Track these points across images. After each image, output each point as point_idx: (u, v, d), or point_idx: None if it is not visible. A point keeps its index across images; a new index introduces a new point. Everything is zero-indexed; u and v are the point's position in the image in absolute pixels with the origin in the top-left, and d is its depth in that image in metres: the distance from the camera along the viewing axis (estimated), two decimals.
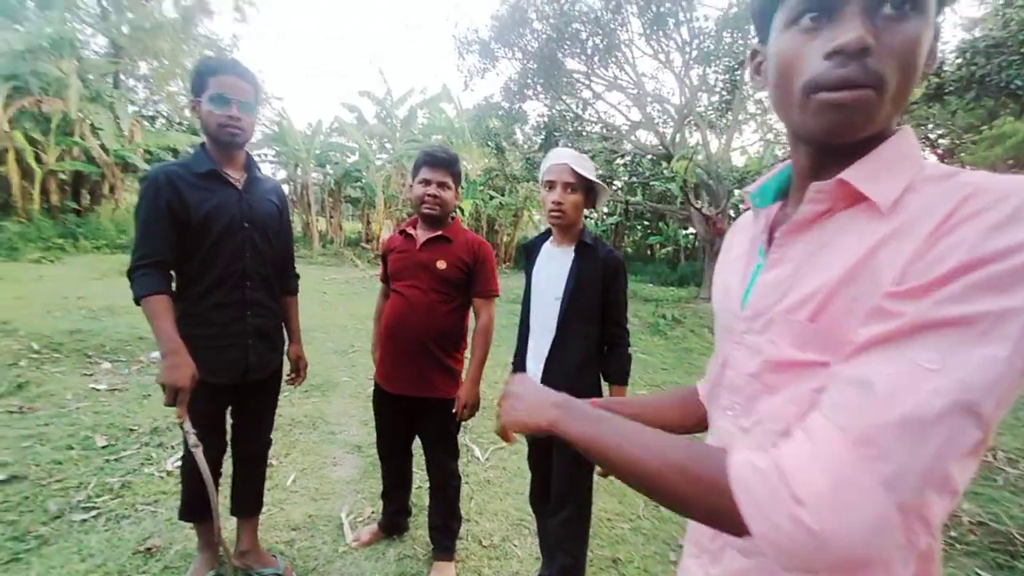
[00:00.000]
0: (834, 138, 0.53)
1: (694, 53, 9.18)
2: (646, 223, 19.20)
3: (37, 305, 5.57)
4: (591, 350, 1.65)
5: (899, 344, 0.42)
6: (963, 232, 0.42)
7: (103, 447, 2.71)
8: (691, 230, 14.60)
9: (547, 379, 1.66)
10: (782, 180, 0.68)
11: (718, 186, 9.62)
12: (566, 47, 9.16)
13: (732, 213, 9.95)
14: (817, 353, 0.52)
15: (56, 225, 10.61)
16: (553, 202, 1.60)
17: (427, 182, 1.84)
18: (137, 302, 1.47)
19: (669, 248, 18.51)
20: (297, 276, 1.94)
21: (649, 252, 19.56)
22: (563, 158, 1.61)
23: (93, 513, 2.14)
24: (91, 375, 3.80)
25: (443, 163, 1.85)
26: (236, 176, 1.66)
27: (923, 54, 0.50)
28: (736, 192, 9.58)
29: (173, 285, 1.59)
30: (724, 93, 9.24)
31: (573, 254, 1.66)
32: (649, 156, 10.86)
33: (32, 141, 10.51)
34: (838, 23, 0.49)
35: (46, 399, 3.26)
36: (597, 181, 1.63)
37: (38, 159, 10.64)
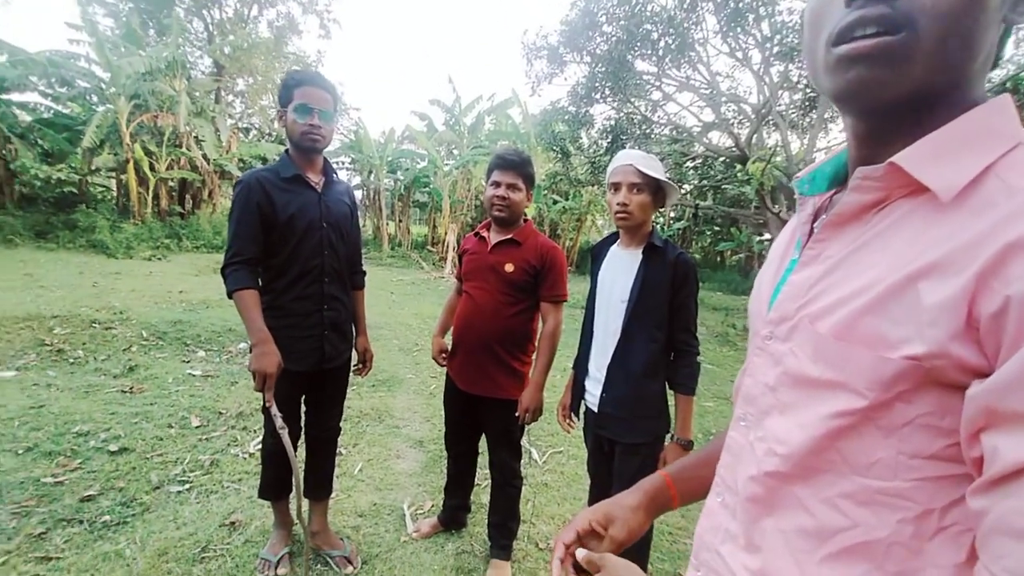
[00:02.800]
0: (855, 101, 0.45)
1: (775, 49, 8.65)
2: (717, 228, 18.31)
3: (147, 298, 6.27)
4: (657, 356, 1.58)
5: None
6: None
7: (196, 427, 2.98)
8: (766, 236, 13.71)
9: (609, 384, 1.61)
10: (839, 165, 0.57)
11: None
12: (636, 49, 8.96)
13: None
14: (834, 372, 0.45)
15: (164, 227, 11.90)
16: (619, 204, 1.57)
17: (497, 184, 1.86)
18: (230, 295, 1.60)
19: (741, 255, 17.52)
20: (364, 272, 2.04)
21: (719, 259, 18.66)
22: (629, 159, 1.57)
23: (187, 486, 2.36)
24: (188, 362, 4.20)
25: (513, 165, 1.86)
26: (316, 180, 1.78)
27: None
28: None
29: (259, 281, 1.72)
30: (808, 90, 8.63)
31: (641, 256, 1.59)
32: (722, 158, 10.37)
33: (148, 152, 11.89)
34: None
35: (151, 381, 3.65)
36: (665, 180, 1.56)
37: (152, 168, 12.01)
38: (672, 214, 18.05)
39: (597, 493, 1.82)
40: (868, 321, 0.43)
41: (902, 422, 0.42)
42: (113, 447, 2.62)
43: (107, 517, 2.06)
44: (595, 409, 1.67)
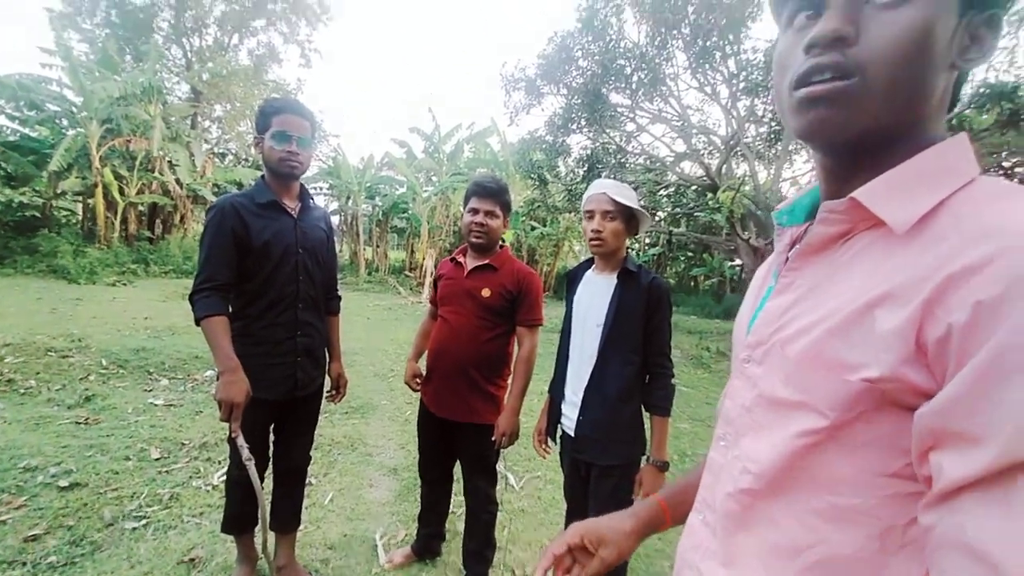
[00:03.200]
0: (815, 139, 0.49)
1: (742, 85, 9.10)
2: (690, 254, 18.78)
3: (109, 324, 6.02)
4: (632, 379, 1.59)
5: (999, 492, 0.35)
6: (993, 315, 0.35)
7: (156, 459, 2.83)
8: (737, 261, 14.12)
9: (585, 408, 1.60)
10: (815, 197, 0.61)
11: (767, 217, 9.32)
12: (610, 82, 9.31)
13: None
14: (801, 394, 0.47)
15: (131, 252, 11.56)
16: (593, 230, 1.60)
17: (475, 211, 1.88)
18: (198, 322, 1.55)
19: (714, 280, 17.94)
20: (339, 298, 2.00)
21: (693, 283, 19.05)
22: (602, 188, 1.60)
23: (143, 522, 2.22)
24: (150, 391, 4.02)
25: (491, 192, 1.88)
26: (292, 205, 1.76)
27: (928, 43, 0.43)
28: None
29: (231, 307, 1.67)
30: (773, 123, 9.06)
31: (616, 281, 1.62)
32: (694, 187, 10.72)
33: (118, 176, 11.64)
34: (824, 17, 0.46)
35: (109, 412, 3.46)
36: (637, 208, 1.60)
37: (121, 192, 11.73)
38: (647, 240, 18.45)
39: (574, 518, 1.78)
40: (831, 346, 0.45)
41: (863, 441, 0.44)
42: (63, 482, 2.46)
43: (53, 558, 1.92)
44: (572, 433, 1.65)
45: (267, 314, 1.68)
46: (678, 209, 12.14)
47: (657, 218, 13.48)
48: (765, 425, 0.51)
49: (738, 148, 9.78)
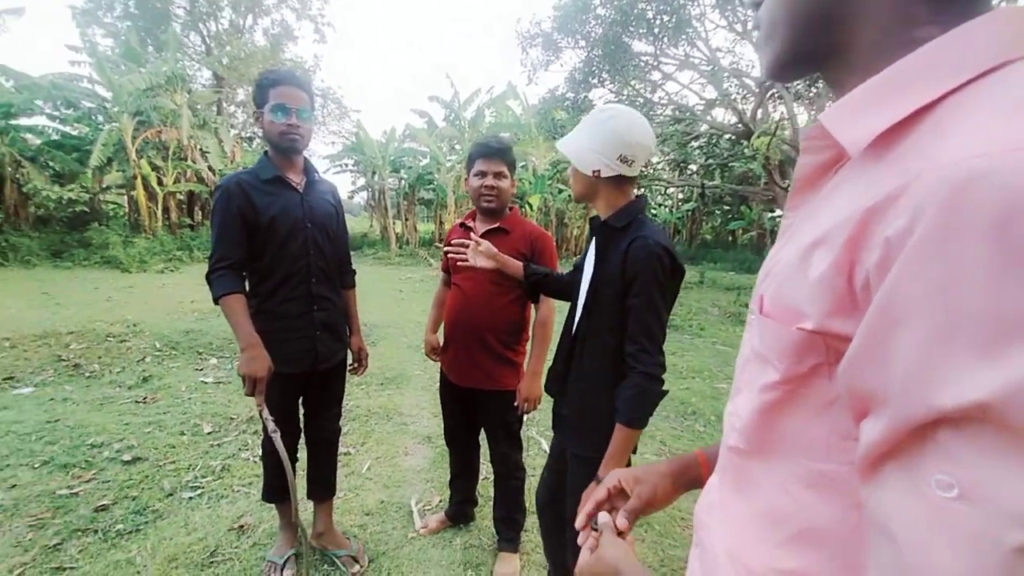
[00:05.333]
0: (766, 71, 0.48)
1: None
2: (726, 207, 18.04)
3: (160, 309, 6.38)
4: (610, 364, 1.28)
5: (902, 459, 0.30)
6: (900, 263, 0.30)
7: (208, 433, 3.02)
8: (777, 212, 13.47)
9: (563, 394, 1.42)
10: None
11: None
12: (632, 29, 8.80)
13: None
14: (763, 346, 0.45)
15: (175, 240, 12.10)
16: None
17: (483, 174, 1.83)
18: (216, 301, 1.59)
19: (753, 233, 17.24)
20: (353, 271, 2.02)
21: (731, 238, 18.39)
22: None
23: (198, 492, 2.39)
24: (201, 369, 4.26)
25: (497, 152, 1.82)
26: (297, 180, 1.76)
27: None
28: None
29: (246, 284, 1.71)
30: None
31: (596, 241, 1.34)
32: (727, 135, 10.17)
33: (154, 167, 12.07)
34: None
35: (165, 390, 3.70)
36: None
37: (159, 182, 12.19)
38: (680, 195, 17.81)
39: (550, 508, 1.60)
40: (780, 293, 0.43)
41: (827, 400, 0.41)
42: (127, 457, 2.67)
43: (120, 526, 2.09)
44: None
45: (280, 290, 1.71)
46: (711, 160, 11.61)
47: (689, 172, 12.93)
48: (748, 380, 0.50)
49: (774, 90, 9.15)
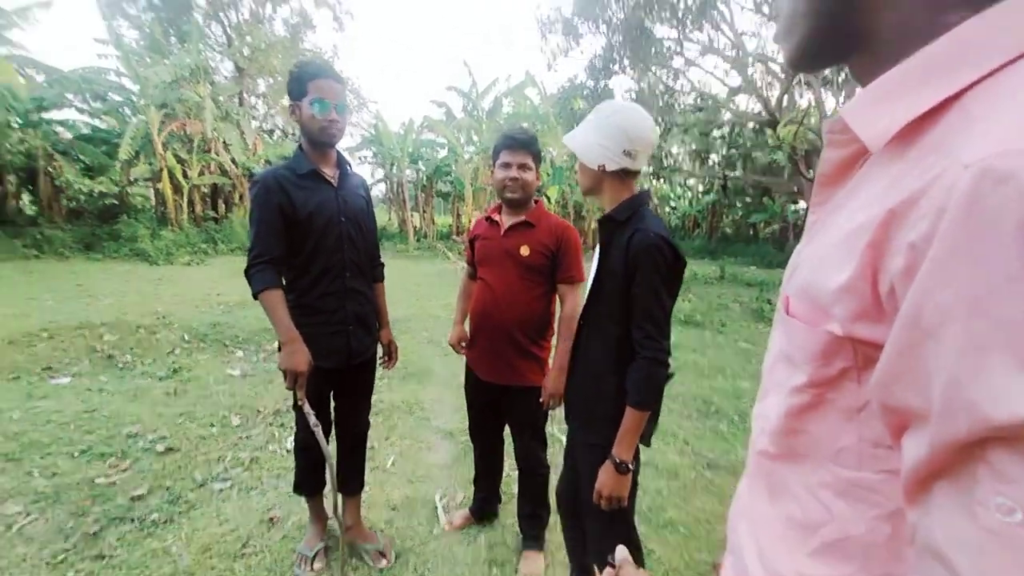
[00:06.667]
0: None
1: None
2: (748, 200, 17.62)
3: (187, 302, 6.53)
4: (613, 351, 1.33)
5: (952, 480, 0.28)
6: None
7: (236, 425, 3.09)
8: (802, 204, 13.11)
9: (570, 383, 1.48)
10: None
11: None
12: (654, 12, 8.60)
13: None
14: (789, 345, 0.44)
15: (200, 232, 12.37)
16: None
17: (507, 165, 1.81)
18: (255, 297, 1.61)
19: (775, 226, 16.83)
20: (382, 264, 2.03)
21: (752, 232, 17.95)
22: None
23: (229, 483, 2.45)
24: (227, 362, 4.36)
25: (522, 144, 1.81)
26: (331, 174, 1.76)
27: None
28: None
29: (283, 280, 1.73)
30: None
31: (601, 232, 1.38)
32: (751, 124, 9.92)
33: (179, 160, 12.32)
34: None
35: (194, 382, 3.80)
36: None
37: (184, 175, 12.44)
38: (700, 188, 17.48)
39: (563, 482, 1.65)
40: (806, 294, 0.42)
41: (857, 405, 0.39)
42: (160, 447, 2.75)
43: (156, 515, 2.16)
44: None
45: (318, 285, 1.72)
46: (733, 150, 11.35)
47: (710, 162, 12.67)
48: (777, 381, 0.48)
49: (801, 75, 8.85)
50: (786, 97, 9.17)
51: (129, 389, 3.60)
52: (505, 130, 1.86)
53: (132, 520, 2.13)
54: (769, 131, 9.28)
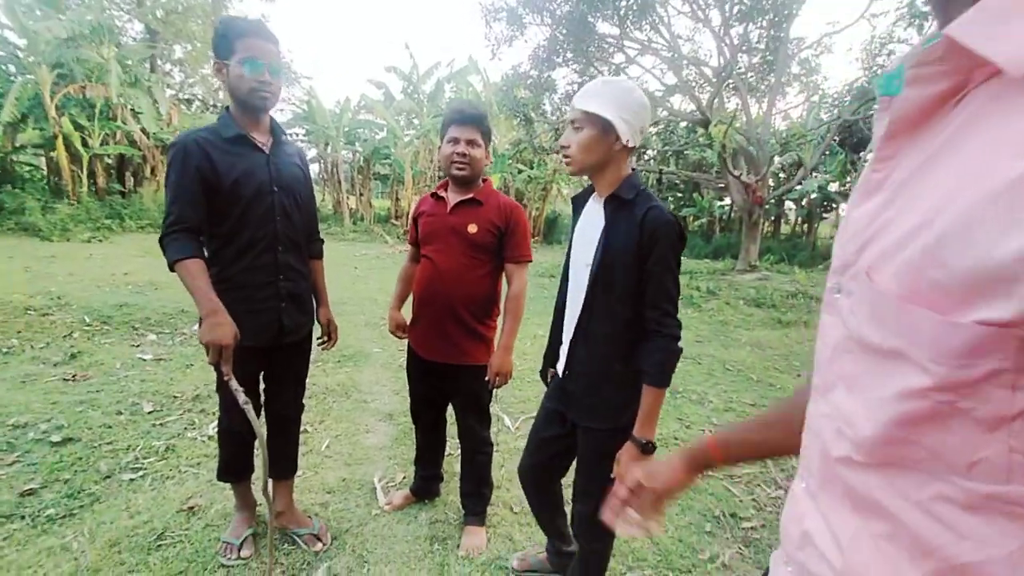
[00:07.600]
0: None
1: (735, 9, 8.61)
2: (679, 195, 18.60)
3: (88, 281, 5.86)
4: (621, 334, 1.31)
5: None
6: None
7: (149, 412, 2.82)
8: (727, 200, 14.01)
9: (571, 359, 1.41)
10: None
11: (759, 152, 9.14)
12: (597, 9, 8.75)
13: (772, 182, 9.46)
14: (895, 339, 0.35)
15: (103, 207, 11.10)
16: (561, 146, 1.35)
17: (456, 140, 1.76)
18: (171, 267, 1.46)
19: (703, 220, 17.90)
20: (321, 240, 1.91)
21: (683, 224, 19.04)
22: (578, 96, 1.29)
23: (140, 474, 2.23)
24: (138, 346, 3.96)
25: (472, 119, 1.76)
26: (262, 140, 1.63)
27: None
28: (776, 159, 9.11)
29: (205, 251, 1.58)
30: (766, 53, 8.68)
31: (603, 211, 1.33)
32: (684, 123, 10.41)
33: (78, 126, 10.95)
34: None
35: (97, 368, 3.42)
36: (607, 117, 1.22)
37: (84, 143, 11.09)
38: None
39: (533, 473, 1.64)
40: (930, 269, 0.32)
41: (1011, 413, 0.31)
42: (56, 438, 2.45)
43: (51, 510, 1.93)
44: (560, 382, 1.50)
45: (244, 257, 1.60)
46: (667, 147, 11.86)
47: (646, 158, 13.17)
48: (857, 378, 0.40)
49: (730, 80, 9.42)
50: (716, 100, 9.70)
51: (16, 376, 3.17)
52: (454, 103, 1.80)
53: (22, 517, 1.88)
54: (701, 130, 9.78)
